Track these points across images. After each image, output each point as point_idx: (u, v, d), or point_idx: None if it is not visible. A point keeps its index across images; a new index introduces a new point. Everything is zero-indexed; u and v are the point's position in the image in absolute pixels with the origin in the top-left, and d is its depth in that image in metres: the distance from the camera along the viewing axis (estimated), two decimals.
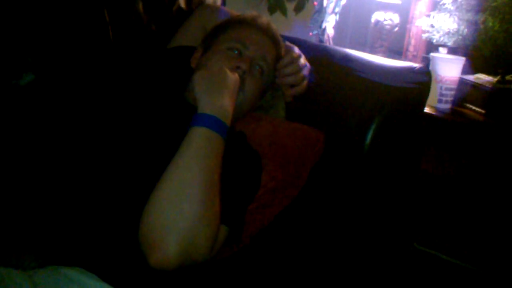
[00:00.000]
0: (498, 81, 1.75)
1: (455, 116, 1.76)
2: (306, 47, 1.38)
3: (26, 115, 1.11)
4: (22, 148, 1.05)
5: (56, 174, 1.00)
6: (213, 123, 0.94)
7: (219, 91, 0.99)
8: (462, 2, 1.83)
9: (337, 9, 1.94)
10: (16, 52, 1.22)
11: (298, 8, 1.95)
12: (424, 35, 1.96)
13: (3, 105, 1.14)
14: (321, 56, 1.44)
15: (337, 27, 2.04)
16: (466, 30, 1.83)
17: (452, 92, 1.78)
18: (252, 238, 1.14)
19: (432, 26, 1.91)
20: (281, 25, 1.38)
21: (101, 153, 1.03)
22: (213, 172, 0.91)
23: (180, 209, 0.85)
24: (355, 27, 2.25)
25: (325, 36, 2.03)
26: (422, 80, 1.39)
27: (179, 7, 1.58)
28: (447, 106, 1.79)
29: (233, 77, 1.05)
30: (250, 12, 1.29)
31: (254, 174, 1.10)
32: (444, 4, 1.87)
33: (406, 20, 2.04)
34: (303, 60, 1.30)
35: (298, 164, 1.23)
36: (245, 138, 1.17)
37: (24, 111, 1.12)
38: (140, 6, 1.49)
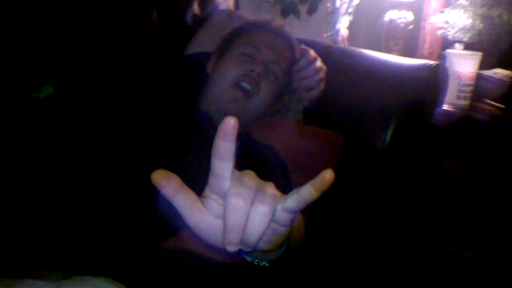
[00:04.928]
0: None
1: (474, 112, 1.74)
2: (321, 49, 1.38)
3: (48, 128, 1.12)
4: (44, 161, 1.06)
5: (77, 186, 1.01)
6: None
7: None
8: None
9: (350, 10, 1.93)
10: (34, 65, 1.23)
11: (311, 10, 1.95)
12: (439, 32, 1.94)
13: (25, 118, 1.15)
14: (336, 57, 1.44)
15: (351, 27, 2.04)
16: (481, 25, 1.81)
17: (470, 88, 1.77)
18: None
19: (446, 22, 1.89)
20: (295, 28, 1.38)
21: (121, 164, 1.04)
22: None
23: None
24: (369, 27, 2.24)
25: (339, 37, 2.02)
26: (439, 77, 1.39)
27: (194, 14, 1.59)
28: (466, 102, 1.78)
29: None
30: (263, 16, 1.30)
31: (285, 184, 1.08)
32: (457, 0, 1.86)
33: (420, 18, 2.02)
34: (319, 63, 1.29)
35: (319, 168, 1.22)
36: (272, 150, 1.15)
37: (46, 124, 1.13)
38: (155, 14, 1.50)
